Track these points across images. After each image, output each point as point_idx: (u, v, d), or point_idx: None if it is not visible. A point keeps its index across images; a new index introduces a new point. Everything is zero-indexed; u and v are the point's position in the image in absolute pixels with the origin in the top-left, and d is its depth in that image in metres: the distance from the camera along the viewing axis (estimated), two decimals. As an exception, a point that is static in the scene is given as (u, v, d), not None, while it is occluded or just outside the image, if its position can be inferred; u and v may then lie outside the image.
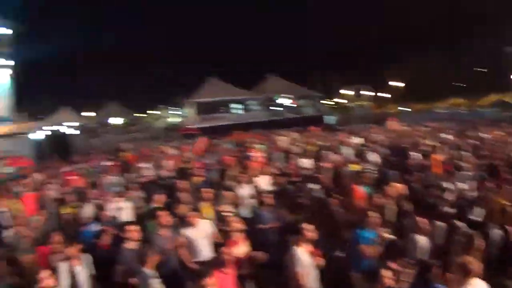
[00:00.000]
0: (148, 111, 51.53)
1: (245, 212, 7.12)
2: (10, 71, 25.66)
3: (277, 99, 39.95)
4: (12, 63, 25.63)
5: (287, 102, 40.12)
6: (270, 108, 39.18)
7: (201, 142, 15.99)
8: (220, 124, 31.52)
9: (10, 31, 25.38)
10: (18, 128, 23.47)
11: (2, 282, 5.85)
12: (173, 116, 48.08)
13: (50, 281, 4.15)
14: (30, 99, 35.93)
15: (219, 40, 60.74)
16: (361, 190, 7.21)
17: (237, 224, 5.30)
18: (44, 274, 4.13)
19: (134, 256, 5.06)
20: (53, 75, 49.50)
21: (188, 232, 5.63)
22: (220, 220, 6.18)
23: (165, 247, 5.38)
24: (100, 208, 7.41)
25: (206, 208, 6.56)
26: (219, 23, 61.74)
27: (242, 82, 39.18)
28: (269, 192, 7.31)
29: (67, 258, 4.95)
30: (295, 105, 40.20)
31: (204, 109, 35.35)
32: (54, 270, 4.53)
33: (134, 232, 5.31)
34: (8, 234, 7.42)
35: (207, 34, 61.88)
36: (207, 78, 37.50)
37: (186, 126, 32.74)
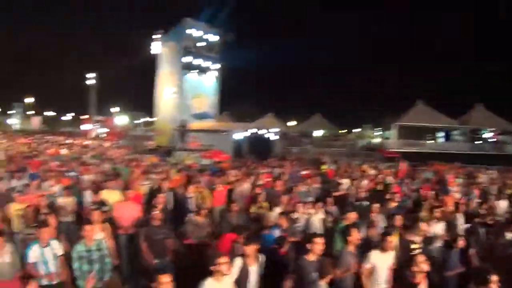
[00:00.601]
0: (351, 129, 55.15)
1: (432, 250, 7.50)
2: (216, 74, 32.43)
3: (483, 133, 43.07)
4: (218, 66, 32.46)
5: (490, 135, 43.34)
6: (473, 140, 42.20)
7: (402, 167, 18.01)
8: (421, 150, 34.22)
9: (217, 38, 32.09)
10: (221, 126, 28.50)
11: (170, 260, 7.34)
12: (376, 137, 53.38)
13: (225, 268, 5.00)
14: (233, 101, 43.03)
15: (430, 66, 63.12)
16: None
17: (424, 265, 5.37)
18: (223, 259, 5.00)
19: (313, 268, 5.67)
20: (258, 81, 57.14)
21: (374, 257, 6.05)
22: (405, 250, 6.56)
23: (349, 266, 5.94)
24: (288, 214, 8.18)
25: (394, 235, 6.80)
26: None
27: (449, 110, 42.24)
28: (461, 233, 7.65)
29: (244, 255, 5.75)
30: (497, 140, 42.81)
31: (407, 133, 38.66)
32: (231, 261, 5.37)
33: (319, 244, 5.78)
34: (189, 218, 9.07)
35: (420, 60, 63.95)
36: (416, 102, 40.57)
37: (387, 149, 35.89)
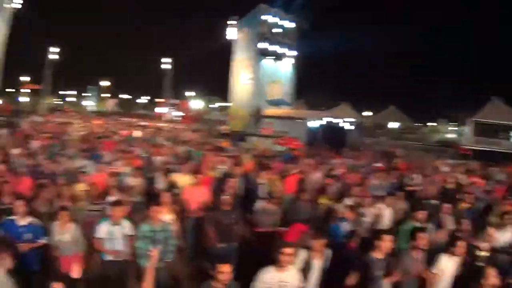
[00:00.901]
0: (427, 122, 53.50)
1: (499, 259, 7.11)
2: (292, 61, 32.69)
3: None
4: (294, 53, 32.65)
5: None
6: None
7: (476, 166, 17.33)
8: (497, 149, 32.13)
9: (293, 24, 32.22)
10: (296, 113, 28.62)
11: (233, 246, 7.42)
12: (450, 132, 52.07)
13: (289, 258, 5.05)
14: (308, 89, 43.03)
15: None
16: None
17: (494, 278, 5.20)
18: (288, 250, 5.05)
19: (378, 266, 5.62)
20: (333, 70, 56.49)
21: (442, 264, 5.88)
22: (469, 257, 6.39)
23: (411, 270, 5.87)
24: (357, 207, 8.16)
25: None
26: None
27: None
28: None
29: (310, 248, 5.78)
30: None
31: (482, 131, 36.52)
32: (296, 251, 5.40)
33: (388, 242, 5.71)
34: (259, 205, 9.15)
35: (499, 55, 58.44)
36: (492, 98, 37.95)
37: (461, 145, 34.63)
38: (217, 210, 7.69)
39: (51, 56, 45.65)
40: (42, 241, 6.32)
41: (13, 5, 29.29)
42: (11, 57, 35.94)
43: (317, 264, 5.80)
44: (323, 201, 9.65)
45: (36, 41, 47.17)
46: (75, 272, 4.63)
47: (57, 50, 45.99)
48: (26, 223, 6.26)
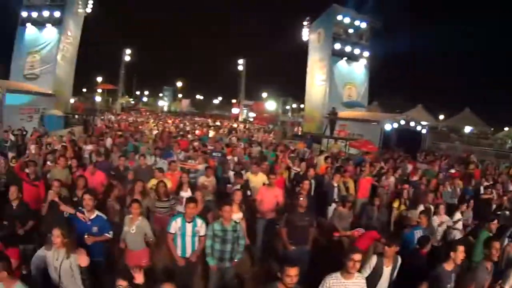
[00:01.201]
0: (502, 127, 50.27)
1: None
2: (365, 62, 32.21)
3: None
4: (367, 54, 32.13)
5: None
6: None
7: None
8: None
9: (366, 24, 31.70)
10: (371, 116, 28.17)
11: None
12: None
13: (357, 265, 4.88)
14: (381, 90, 42.25)
15: None
16: None
17: None
18: (357, 256, 4.86)
19: (450, 279, 5.43)
20: (406, 71, 54.82)
21: None
22: None
23: (482, 283, 5.61)
24: (428, 214, 8.07)
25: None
26: None
27: None
28: None
29: (382, 255, 5.65)
30: None
31: None
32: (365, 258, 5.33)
33: (461, 253, 5.48)
34: (334, 208, 9.43)
35: None
36: None
37: None
38: (291, 212, 7.54)
39: (126, 58, 47.58)
40: (108, 235, 6.46)
41: (87, 10, 31.25)
42: (88, 58, 38.33)
43: (387, 272, 5.64)
44: (396, 206, 9.77)
45: (112, 42, 49.84)
46: (138, 278, 4.61)
47: (132, 51, 47.88)
48: (94, 217, 6.41)
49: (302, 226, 7.29)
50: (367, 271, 5.51)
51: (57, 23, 27.94)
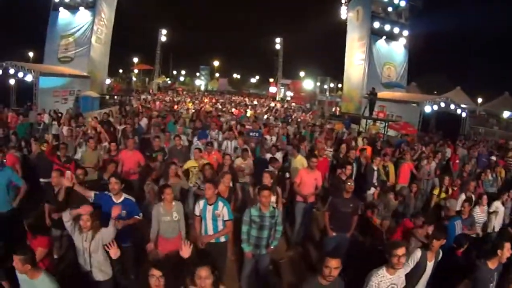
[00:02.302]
0: None
1: None
2: (404, 41, 31.26)
3: None
4: (406, 33, 31.14)
5: None
6: None
7: None
8: None
9: (405, 3, 30.67)
10: (411, 97, 27.44)
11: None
12: None
13: (401, 261, 4.53)
14: (420, 71, 41.02)
15: None
16: None
17: None
18: (400, 251, 4.52)
19: (493, 278, 5.09)
20: (446, 51, 52.87)
21: None
22: None
23: None
24: (469, 202, 7.74)
25: None
26: None
27: None
28: None
29: (426, 248, 5.31)
30: None
31: None
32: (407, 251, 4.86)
33: (507, 251, 5.10)
34: (371, 193, 9.43)
35: None
36: None
37: None
38: (336, 197, 7.16)
39: (162, 38, 47.92)
40: (138, 217, 6.24)
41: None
42: (124, 40, 38.53)
43: (430, 267, 5.27)
44: (436, 193, 9.40)
45: (147, 23, 49.62)
46: (185, 252, 4.56)
47: (168, 31, 48.09)
48: (121, 200, 6.17)
49: (346, 212, 6.99)
50: (410, 265, 5.16)
51: (90, 6, 28.07)
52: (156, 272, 3.93)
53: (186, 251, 4.58)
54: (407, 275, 4.92)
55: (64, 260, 6.37)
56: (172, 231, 6.26)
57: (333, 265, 4.12)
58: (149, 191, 7.99)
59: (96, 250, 5.13)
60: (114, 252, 4.95)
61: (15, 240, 4.67)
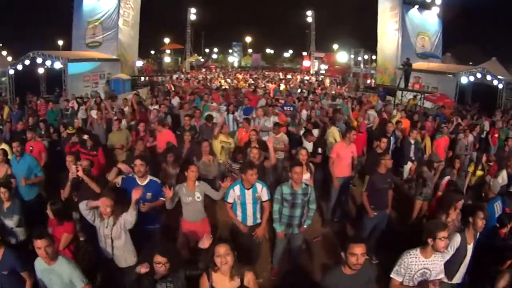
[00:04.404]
0: None
1: None
2: (438, 10, 30.01)
3: None
4: (439, 1, 29.76)
5: None
6: None
7: None
8: None
9: None
10: (447, 68, 26.53)
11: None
12: None
13: (443, 245, 4.14)
14: (454, 41, 39.41)
15: None
16: None
17: None
18: (443, 233, 4.12)
19: None
20: (481, 21, 50.56)
21: None
22: None
23: None
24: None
25: None
26: None
27: None
28: None
29: (463, 231, 4.87)
30: None
31: None
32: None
33: None
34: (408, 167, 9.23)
35: None
36: None
37: None
38: (372, 174, 6.76)
39: (192, 17, 47.99)
40: (163, 199, 5.90)
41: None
42: (154, 20, 38.27)
43: (470, 249, 4.78)
44: (471, 170, 8.81)
45: (177, 2, 49.33)
46: (205, 243, 4.36)
47: (197, 10, 48.11)
48: (146, 182, 5.98)
49: (384, 188, 6.64)
50: (450, 252, 4.65)
51: (115, -10, 27.75)
52: (161, 259, 3.84)
53: (206, 242, 4.37)
54: (447, 263, 4.51)
55: (90, 243, 6.10)
56: (194, 214, 5.95)
57: (359, 252, 3.70)
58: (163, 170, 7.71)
59: (118, 237, 5.03)
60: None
61: (38, 227, 4.55)
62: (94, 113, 12.52)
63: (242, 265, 3.88)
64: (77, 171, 6.22)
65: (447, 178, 7.48)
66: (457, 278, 4.79)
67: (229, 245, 3.74)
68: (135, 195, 5.06)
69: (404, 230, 7.45)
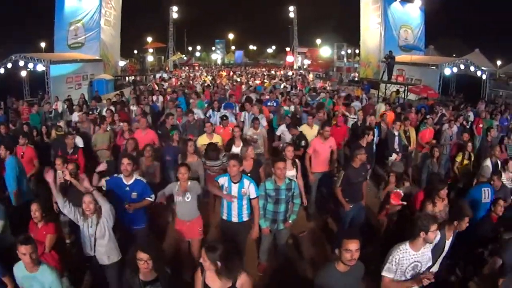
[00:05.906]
0: None
1: None
2: (420, 3, 30.11)
3: None
4: None
5: None
6: None
7: None
8: None
9: None
10: (430, 60, 26.60)
11: None
12: None
13: (432, 238, 4.16)
14: (436, 33, 39.61)
15: None
16: None
17: None
18: (434, 227, 4.11)
19: None
20: (463, 13, 50.96)
21: None
22: None
23: None
24: (499, 173, 7.05)
25: None
26: None
27: None
28: None
29: (443, 227, 4.75)
30: None
31: None
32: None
33: None
34: (392, 159, 9.08)
35: None
36: None
37: None
38: (347, 168, 6.66)
39: (174, 15, 46.90)
40: (149, 199, 5.84)
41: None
42: (136, 20, 37.62)
43: (447, 246, 4.76)
44: (459, 160, 8.74)
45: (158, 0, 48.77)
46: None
47: (179, 8, 47.08)
48: (132, 182, 5.81)
49: (359, 182, 6.60)
50: (428, 248, 4.40)
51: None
52: (143, 256, 3.78)
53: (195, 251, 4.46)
54: None
55: (75, 245, 6.05)
56: (186, 213, 5.77)
57: (354, 248, 3.59)
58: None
59: (102, 236, 4.91)
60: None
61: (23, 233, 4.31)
62: (76, 115, 12.38)
63: (235, 266, 3.78)
64: (64, 175, 6.04)
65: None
66: (434, 268, 4.59)
67: (217, 251, 3.64)
68: (48, 177, 4.99)
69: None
